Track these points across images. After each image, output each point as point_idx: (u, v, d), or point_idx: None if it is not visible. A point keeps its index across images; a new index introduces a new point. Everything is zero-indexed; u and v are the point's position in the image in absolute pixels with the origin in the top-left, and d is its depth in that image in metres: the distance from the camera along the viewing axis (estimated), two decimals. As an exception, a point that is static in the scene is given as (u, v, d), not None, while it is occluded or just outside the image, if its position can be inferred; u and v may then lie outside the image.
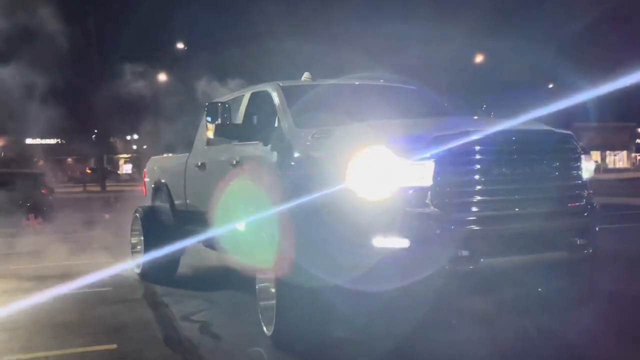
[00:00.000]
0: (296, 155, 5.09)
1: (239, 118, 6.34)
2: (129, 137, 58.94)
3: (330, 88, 6.20)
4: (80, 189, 35.64)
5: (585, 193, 4.73)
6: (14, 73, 12.22)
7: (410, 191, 4.21)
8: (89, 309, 6.25)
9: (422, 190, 4.20)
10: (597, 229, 4.77)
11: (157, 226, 7.73)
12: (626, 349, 4.66)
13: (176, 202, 7.75)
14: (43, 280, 7.67)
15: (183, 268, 8.00)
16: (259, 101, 6.14)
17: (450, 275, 4.18)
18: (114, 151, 56.98)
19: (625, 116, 64.36)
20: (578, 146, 4.72)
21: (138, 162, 65.34)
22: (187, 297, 6.83)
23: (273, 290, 4.77)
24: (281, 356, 4.69)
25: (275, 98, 5.78)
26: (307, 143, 5.04)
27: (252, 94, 6.33)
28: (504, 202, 4.37)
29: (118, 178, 55.92)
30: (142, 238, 7.83)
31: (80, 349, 4.93)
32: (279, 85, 5.95)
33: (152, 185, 8.51)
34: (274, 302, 4.76)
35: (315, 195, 4.59)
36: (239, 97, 6.62)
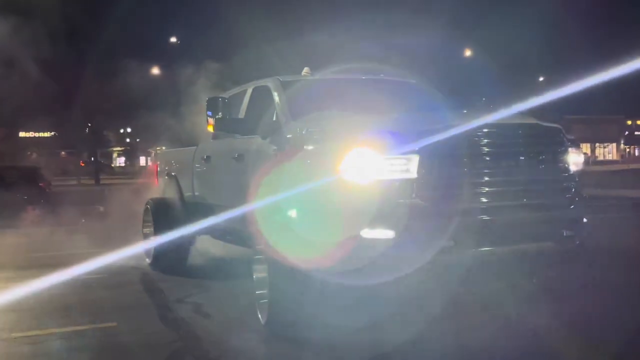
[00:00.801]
0: (291, 148, 5.23)
1: (242, 112, 6.51)
2: (122, 130, 59.25)
3: (328, 82, 6.33)
4: (74, 182, 35.81)
5: (573, 185, 4.81)
6: (6, 64, 12.40)
7: (396, 184, 4.34)
8: (89, 293, 6.60)
9: (408, 183, 4.32)
10: (585, 220, 4.86)
11: (166, 217, 7.93)
12: (611, 339, 4.73)
13: (185, 194, 7.95)
14: (44, 268, 7.86)
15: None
16: (260, 95, 6.30)
17: (435, 265, 4.30)
18: (107, 144, 57.08)
19: (615, 109, 63.93)
20: (565, 139, 4.80)
21: (131, 155, 66.05)
22: (182, 283, 7.13)
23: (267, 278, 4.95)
24: (273, 341, 4.87)
25: (274, 92, 5.94)
26: (301, 137, 5.18)
27: (254, 88, 6.49)
28: (489, 194, 4.48)
29: (112, 171, 56.10)
30: (153, 229, 8.04)
31: (83, 327, 5.34)
32: (279, 80, 6.10)
33: (163, 177, 8.73)
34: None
35: (306, 187, 4.73)
36: (242, 91, 6.79)
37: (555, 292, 4.83)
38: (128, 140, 63.31)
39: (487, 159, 4.45)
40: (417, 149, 4.31)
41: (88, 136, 41.97)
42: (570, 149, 4.80)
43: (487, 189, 4.46)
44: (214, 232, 7.11)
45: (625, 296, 5.50)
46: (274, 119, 5.75)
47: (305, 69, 6.54)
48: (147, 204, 8.39)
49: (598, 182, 19.36)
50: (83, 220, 13.63)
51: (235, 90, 7.14)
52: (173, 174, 8.35)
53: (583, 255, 4.84)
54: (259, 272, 5.23)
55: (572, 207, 4.75)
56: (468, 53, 37.83)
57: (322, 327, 4.77)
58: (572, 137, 4.94)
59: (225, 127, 5.84)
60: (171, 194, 8.28)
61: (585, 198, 4.93)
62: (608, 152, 76.00)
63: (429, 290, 4.53)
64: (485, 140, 4.47)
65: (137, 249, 8.19)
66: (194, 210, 7.64)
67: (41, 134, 46.74)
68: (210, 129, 5.82)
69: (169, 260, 7.84)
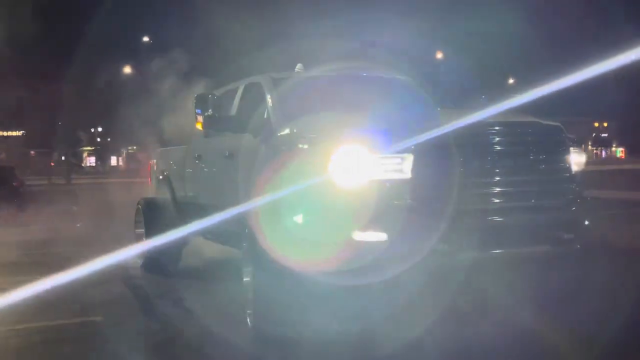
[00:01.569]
0: (281, 147, 5.05)
1: (234, 110, 6.33)
2: (92, 130, 58.97)
3: (320, 80, 6.14)
4: (45, 181, 35.46)
5: (574, 186, 4.62)
6: None
7: (389, 185, 4.16)
8: (73, 289, 6.35)
9: (401, 183, 4.14)
10: (586, 222, 4.67)
11: (158, 218, 7.76)
12: (612, 343, 4.54)
13: (178, 193, 7.77)
14: (25, 266, 7.90)
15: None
16: (252, 93, 6.12)
17: (429, 269, 4.12)
18: (79, 144, 56.80)
19: (582, 111, 64.81)
20: (566, 138, 4.61)
21: (102, 155, 65.69)
22: (164, 281, 7.14)
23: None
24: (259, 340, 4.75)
25: (266, 89, 5.76)
26: (292, 135, 5.01)
27: (246, 85, 6.31)
28: (486, 195, 4.30)
29: (82, 171, 55.60)
30: (144, 230, 7.86)
31: (69, 321, 5.54)
32: (270, 76, 5.92)
33: (156, 177, 8.55)
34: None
35: (297, 188, 4.56)
36: (234, 88, 6.61)
37: (554, 297, 4.62)
38: (99, 139, 63.03)
39: (485, 158, 4.27)
40: (411, 147, 4.13)
41: (59, 135, 41.55)
42: (571, 149, 4.60)
43: (484, 190, 4.28)
44: (206, 234, 6.91)
45: (628, 300, 5.30)
46: (265, 116, 5.57)
47: (299, 66, 6.36)
48: (138, 204, 8.21)
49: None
50: (79, 225, 13.36)
51: (227, 87, 6.96)
52: (166, 173, 8.16)
53: (583, 259, 4.63)
54: (248, 275, 5.05)
55: (572, 208, 4.56)
56: (439, 55, 37.69)
57: (311, 331, 4.58)
58: (572, 136, 4.74)
59: (215, 125, 5.65)
60: (163, 194, 8.10)
61: (587, 199, 4.74)
62: (579, 153, 77.01)
63: (423, 294, 4.33)
64: (483, 139, 4.29)
65: (128, 250, 8.00)
66: (186, 210, 7.47)
67: (10, 133, 46.51)
68: (199, 126, 5.63)
69: (161, 262, 7.67)
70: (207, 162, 6.73)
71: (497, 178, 4.30)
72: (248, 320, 4.90)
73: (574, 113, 62.84)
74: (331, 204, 4.29)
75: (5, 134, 45.55)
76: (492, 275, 4.35)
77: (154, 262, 7.70)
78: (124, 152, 61.75)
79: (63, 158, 45.37)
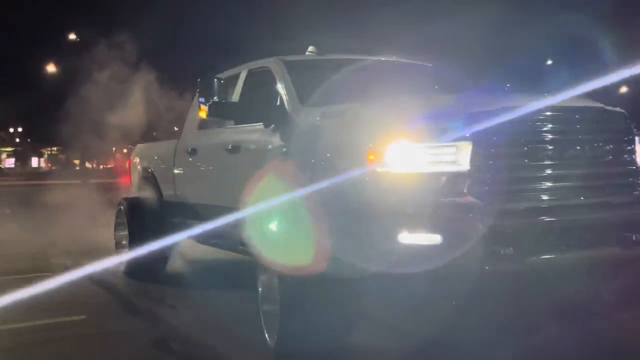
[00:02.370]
0: (303, 138, 4.40)
1: (235, 99, 5.62)
2: (12, 130, 57.11)
3: (339, 63, 5.49)
4: None
5: None
6: None
7: (443, 178, 3.54)
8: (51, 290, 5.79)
9: (458, 176, 3.52)
10: None
11: (143, 219, 7.01)
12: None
13: (165, 192, 7.02)
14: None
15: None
16: (259, 79, 5.44)
17: (490, 276, 3.50)
18: None
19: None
20: (632, 126, 4.06)
21: (22, 156, 63.69)
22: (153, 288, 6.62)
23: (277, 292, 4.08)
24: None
25: (278, 74, 5.08)
26: (316, 124, 4.36)
27: (250, 71, 5.62)
28: (552, 190, 3.70)
29: (1, 172, 53.59)
30: (127, 232, 7.09)
31: (53, 320, 5.25)
32: (282, 60, 5.24)
33: (138, 175, 7.76)
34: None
35: (326, 184, 3.91)
36: (234, 75, 5.89)
37: (622, 304, 4.05)
38: (18, 140, 61.02)
39: (551, 148, 3.67)
40: (469, 134, 3.51)
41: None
42: (637, 138, 4.05)
43: (550, 185, 3.68)
44: (203, 238, 6.18)
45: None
46: (278, 104, 4.90)
47: (310, 48, 5.69)
48: (120, 204, 7.43)
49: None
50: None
51: (225, 74, 6.24)
52: (150, 170, 7.39)
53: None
54: (267, 286, 4.35)
55: None
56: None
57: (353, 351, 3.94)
58: (636, 125, 4.19)
59: (223, 113, 4.92)
60: (148, 193, 7.33)
61: None
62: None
63: (481, 307, 3.73)
64: (549, 126, 3.70)
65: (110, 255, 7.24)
66: (176, 211, 6.73)
67: None
68: (203, 115, 4.89)
69: (147, 267, 6.92)
70: (204, 157, 6.02)
71: (563, 171, 3.71)
72: (267, 337, 4.20)
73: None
74: (373, 201, 3.65)
75: None
76: (561, 280, 3.74)
77: (138, 267, 6.94)
78: (46, 153, 59.95)
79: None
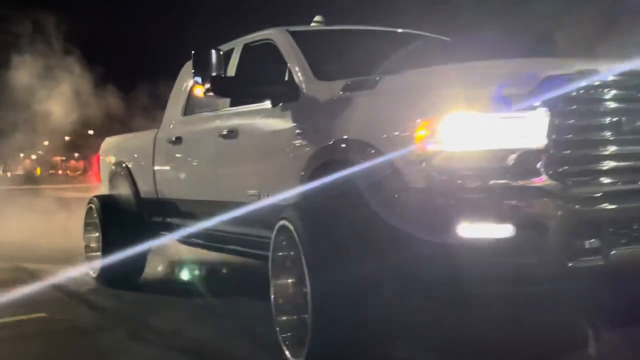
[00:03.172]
0: (323, 116, 3.68)
1: (229, 77, 4.85)
2: None
3: (350, 34, 4.78)
4: None
5: None
6: None
7: (513, 156, 2.85)
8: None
9: (531, 154, 2.84)
10: None
11: (118, 219, 6.16)
12: None
13: (142, 188, 6.19)
14: None
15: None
16: (258, 54, 4.69)
17: (572, 274, 2.83)
18: None
19: None
20: None
21: None
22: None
23: (305, 300, 3.32)
24: None
25: (284, 46, 4.34)
26: (340, 98, 3.64)
27: (246, 45, 4.85)
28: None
29: None
30: (100, 235, 6.23)
31: (15, 318, 4.84)
32: (287, 30, 4.49)
33: (110, 171, 6.87)
34: (301, 317, 3.33)
35: (362, 168, 3.21)
36: (226, 52, 5.10)
37: None
38: None
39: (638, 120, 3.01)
40: (545, 102, 2.84)
41: None
42: None
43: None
44: (187, 237, 5.39)
45: None
46: (287, 78, 4.17)
47: (317, 18, 4.95)
48: (90, 202, 6.55)
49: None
50: None
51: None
52: (124, 165, 6.53)
53: None
54: (284, 289, 3.59)
55: None
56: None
57: None
58: None
59: (229, 88, 4.11)
60: (122, 190, 6.48)
61: None
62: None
63: (561, 309, 3.06)
64: (635, 94, 3.03)
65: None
66: (156, 209, 5.92)
67: None
68: (200, 92, 4.08)
69: (122, 272, 6.09)
70: (192, 147, 5.22)
71: None
72: (287, 352, 3.44)
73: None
74: (424, 187, 2.96)
75: None
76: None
77: (112, 273, 6.09)
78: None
79: None
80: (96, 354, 4.07)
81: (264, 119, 4.25)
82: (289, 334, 3.44)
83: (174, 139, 5.44)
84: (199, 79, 3.98)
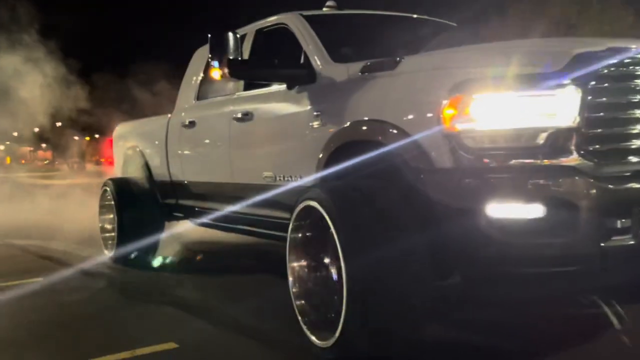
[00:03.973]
0: (343, 97, 3.44)
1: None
2: None
3: (363, 19, 4.52)
4: None
5: None
6: None
7: (543, 135, 2.63)
8: None
9: (562, 133, 2.62)
10: None
11: (132, 201, 5.93)
12: None
13: (155, 171, 5.95)
14: None
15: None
16: (271, 39, 4.43)
17: (605, 254, 2.62)
18: None
19: None
20: None
21: None
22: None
23: (332, 283, 3.10)
24: None
25: (299, 30, 4.09)
26: (357, 80, 3.40)
27: (259, 31, 4.59)
28: None
29: None
30: (115, 216, 5.99)
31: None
32: (301, 15, 4.23)
33: (123, 154, 6.63)
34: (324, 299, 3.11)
35: (387, 150, 2.98)
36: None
37: None
38: None
39: None
40: (575, 80, 2.61)
41: None
42: None
43: None
44: (208, 219, 5.16)
45: None
46: (302, 61, 3.92)
47: (330, 2, 4.68)
48: (105, 185, 6.30)
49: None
50: None
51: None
52: (138, 149, 6.28)
53: None
54: (304, 271, 3.36)
55: None
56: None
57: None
58: None
59: (247, 71, 3.84)
60: (136, 173, 6.24)
61: None
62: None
63: (595, 292, 2.86)
64: None
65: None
66: (169, 191, 5.69)
67: None
68: (217, 74, 3.82)
69: (137, 252, 5.89)
70: (206, 130, 4.98)
71: None
72: (312, 337, 3.19)
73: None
74: (452, 167, 2.73)
75: None
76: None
77: (129, 254, 5.88)
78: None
79: None
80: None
81: (279, 101, 4.01)
82: (312, 317, 3.22)
83: (187, 123, 5.19)
84: (215, 63, 3.71)
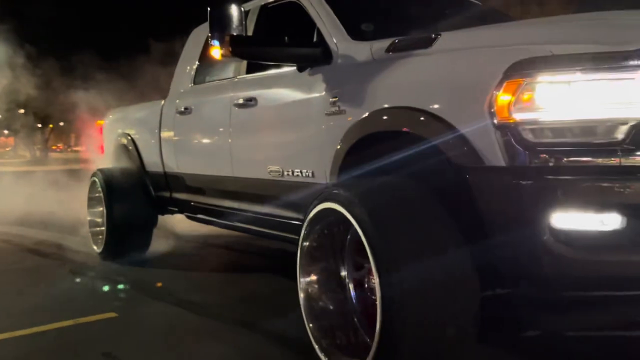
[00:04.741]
0: (367, 81, 2.82)
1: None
2: None
3: None
4: None
5: None
6: None
7: (621, 129, 2.03)
8: None
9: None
10: None
11: (124, 194, 5.29)
12: None
13: (148, 162, 5.31)
14: None
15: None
16: (279, 15, 3.80)
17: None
18: None
19: None
20: None
21: None
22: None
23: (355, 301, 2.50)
24: None
25: (311, 5, 3.45)
26: (383, 60, 2.79)
27: (264, 7, 3.95)
28: None
29: None
30: (104, 209, 5.35)
31: None
32: None
33: (114, 142, 5.97)
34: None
35: (424, 146, 2.38)
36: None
37: None
38: None
39: None
40: None
41: None
42: None
43: None
44: (204, 214, 4.55)
45: None
46: (315, 39, 3.29)
47: None
48: (94, 176, 5.64)
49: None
50: None
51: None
52: (129, 137, 5.62)
53: None
54: (323, 288, 2.74)
55: None
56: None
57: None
58: None
59: (252, 50, 3.18)
60: (127, 163, 5.60)
61: None
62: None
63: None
64: None
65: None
66: (164, 183, 5.06)
67: None
68: (217, 53, 3.17)
69: (128, 249, 5.28)
70: (203, 116, 4.34)
71: None
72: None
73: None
74: (506, 165, 2.13)
75: None
76: None
77: (118, 249, 5.27)
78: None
79: None
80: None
81: (288, 85, 3.39)
82: (331, 340, 2.61)
83: (182, 110, 4.56)
84: (216, 41, 3.07)
